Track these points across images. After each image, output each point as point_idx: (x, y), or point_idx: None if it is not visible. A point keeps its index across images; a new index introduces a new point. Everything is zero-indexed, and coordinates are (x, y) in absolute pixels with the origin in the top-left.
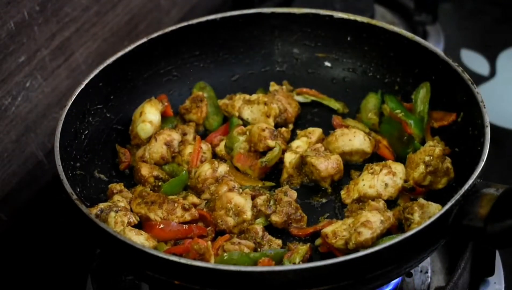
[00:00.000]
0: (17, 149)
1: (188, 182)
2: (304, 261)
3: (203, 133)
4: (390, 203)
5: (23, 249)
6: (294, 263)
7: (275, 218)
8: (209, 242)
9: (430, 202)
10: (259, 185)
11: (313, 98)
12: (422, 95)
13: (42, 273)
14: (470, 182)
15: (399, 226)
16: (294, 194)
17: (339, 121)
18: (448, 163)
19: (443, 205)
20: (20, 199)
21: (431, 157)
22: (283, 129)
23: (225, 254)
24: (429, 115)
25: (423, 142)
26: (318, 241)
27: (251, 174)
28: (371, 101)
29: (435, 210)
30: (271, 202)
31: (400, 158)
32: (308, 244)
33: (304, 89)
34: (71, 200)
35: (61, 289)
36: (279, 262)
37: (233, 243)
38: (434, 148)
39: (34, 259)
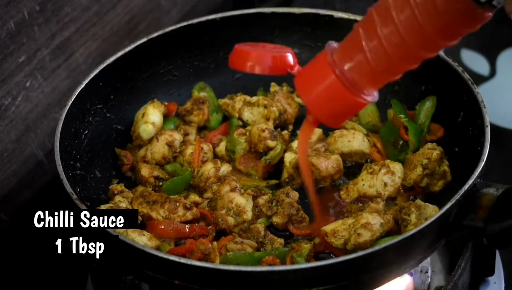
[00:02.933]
0: (17, 149)
1: (191, 181)
2: (309, 259)
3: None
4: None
5: (23, 249)
6: (303, 259)
7: (276, 219)
8: (215, 243)
9: (427, 203)
10: (263, 185)
11: None
12: (426, 108)
13: (42, 273)
14: (470, 182)
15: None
16: (296, 195)
17: None
18: (445, 167)
19: (441, 206)
20: (20, 199)
21: (429, 160)
22: (284, 132)
23: (229, 253)
24: (428, 128)
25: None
26: (316, 240)
27: (254, 174)
28: (367, 105)
29: (432, 211)
30: (273, 203)
31: None
32: (312, 242)
33: None
34: (71, 200)
35: (61, 289)
36: (283, 261)
37: (236, 243)
38: (432, 151)
39: (34, 259)
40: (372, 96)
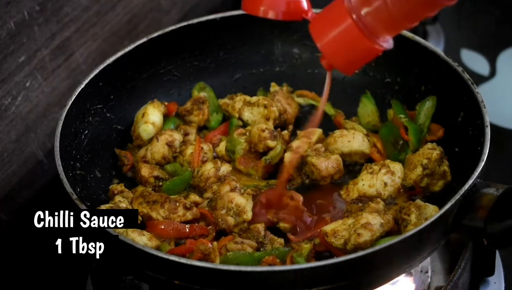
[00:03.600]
0: (17, 149)
1: (191, 181)
2: (309, 259)
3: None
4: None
5: (23, 249)
6: (303, 259)
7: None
8: (215, 243)
9: (427, 204)
10: (263, 185)
11: (311, 101)
12: (426, 108)
13: (42, 273)
14: (470, 182)
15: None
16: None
17: (340, 120)
18: (445, 167)
19: (441, 206)
20: (20, 199)
21: (429, 160)
22: (284, 132)
23: (229, 253)
24: (428, 128)
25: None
26: (316, 240)
27: (254, 174)
28: (367, 105)
29: (432, 211)
30: None
31: None
32: (312, 242)
33: (304, 92)
34: (71, 200)
35: (61, 289)
36: (283, 260)
37: (236, 243)
38: (432, 151)
39: (34, 259)
40: (388, 42)
